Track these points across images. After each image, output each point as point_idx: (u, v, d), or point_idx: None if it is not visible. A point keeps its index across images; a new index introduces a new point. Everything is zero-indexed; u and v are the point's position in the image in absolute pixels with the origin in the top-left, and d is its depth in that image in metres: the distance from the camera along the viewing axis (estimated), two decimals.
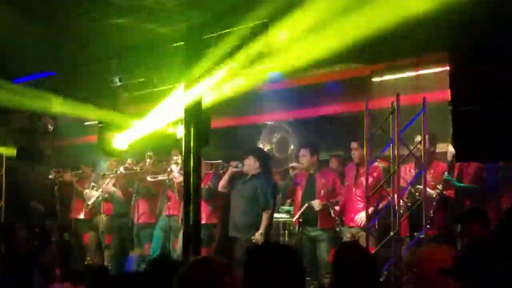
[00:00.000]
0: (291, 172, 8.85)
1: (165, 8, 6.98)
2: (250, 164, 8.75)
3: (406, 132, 7.35)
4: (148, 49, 8.29)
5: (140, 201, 10.29)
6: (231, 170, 9.01)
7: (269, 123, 10.32)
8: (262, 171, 8.78)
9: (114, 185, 10.63)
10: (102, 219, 10.70)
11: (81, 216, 10.98)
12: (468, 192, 7.50)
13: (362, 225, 7.88)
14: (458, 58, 4.43)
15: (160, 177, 9.99)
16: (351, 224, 8.13)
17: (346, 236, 8.11)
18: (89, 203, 10.75)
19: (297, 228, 8.67)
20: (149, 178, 10.10)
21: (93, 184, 10.88)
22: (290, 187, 8.77)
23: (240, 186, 8.84)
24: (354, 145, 8.24)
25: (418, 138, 7.56)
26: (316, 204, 8.34)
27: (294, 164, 8.80)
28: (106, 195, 10.61)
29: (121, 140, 8.87)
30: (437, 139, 7.78)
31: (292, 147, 9.96)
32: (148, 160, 10.26)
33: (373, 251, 6.94)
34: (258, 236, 8.40)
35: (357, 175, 8.18)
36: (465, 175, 7.52)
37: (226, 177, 9.07)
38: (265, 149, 9.76)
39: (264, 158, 9.00)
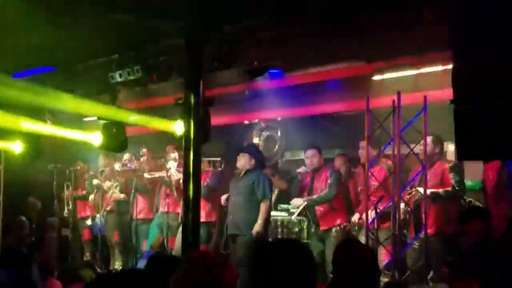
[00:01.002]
0: (299, 176, 8.83)
1: (166, 5, 6.94)
2: (246, 161, 8.77)
3: (407, 132, 7.34)
4: (148, 45, 8.25)
5: (139, 198, 10.32)
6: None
7: (259, 121, 10.34)
8: (257, 166, 8.80)
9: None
10: (108, 216, 10.70)
11: (87, 214, 11.00)
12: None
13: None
14: (462, 56, 4.40)
15: (157, 174, 9.98)
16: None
17: (362, 236, 8.05)
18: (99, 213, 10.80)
19: (298, 226, 8.70)
20: (146, 175, 10.08)
21: (96, 189, 10.87)
22: (299, 189, 8.78)
23: (236, 184, 8.84)
24: (362, 143, 8.10)
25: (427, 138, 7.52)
26: (294, 202, 8.38)
27: (300, 169, 8.78)
28: (112, 204, 10.65)
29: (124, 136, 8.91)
30: (441, 141, 7.72)
31: (277, 145, 10.00)
32: (143, 157, 10.25)
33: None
34: (257, 228, 8.39)
35: (366, 178, 8.10)
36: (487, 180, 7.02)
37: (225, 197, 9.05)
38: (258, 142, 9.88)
39: (258, 154, 9.04)
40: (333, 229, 8.37)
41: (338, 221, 8.41)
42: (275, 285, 2.55)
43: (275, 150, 10.22)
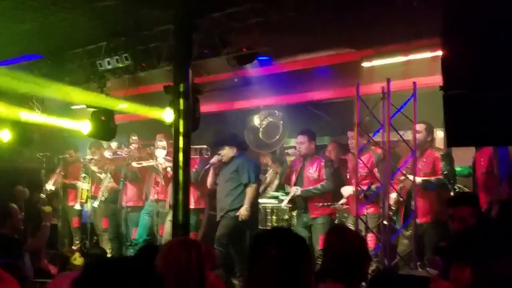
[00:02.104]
0: (288, 158, 8.83)
1: None
2: (227, 153, 8.90)
3: (397, 118, 7.34)
4: (137, 32, 8.19)
5: (128, 186, 10.28)
6: (212, 168, 9.12)
7: (262, 107, 10.29)
8: (241, 152, 8.97)
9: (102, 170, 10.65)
10: (97, 204, 10.69)
11: (77, 205, 10.98)
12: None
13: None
14: (451, 42, 4.41)
15: (144, 163, 9.96)
16: (355, 214, 8.03)
17: (350, 224, 8.05)
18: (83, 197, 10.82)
19: (287, 213, 8.71)
20: (134, 164, 10.06)
21: (84, 175, 10.86)
22: (286, 173, 8.77)
23: (223, 171, 8.96)
24: (351, 134, 8.07)
25: (420, 126, 7.50)
26: (294, 189, 8.36)
27: (290, 151, 8.77)
28: (107, 194, 10.62)
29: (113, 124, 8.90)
30: (433, 129, 7.74)
31: (280, 133, 9.97)
32: (133, 145, 10.22)
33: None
34: (243, 211, 8.47)
35: (356, 165, 8.09)
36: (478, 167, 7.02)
37: (211, 175, 9.18)
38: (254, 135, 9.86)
39: (239, 143, 9.14)
40: (320, 218, 8.35)
41: (328, 211, 8.38)
42: (274, 276, 2.53)
43: (277, 138, 10.12)
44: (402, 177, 7.44)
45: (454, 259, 2.82)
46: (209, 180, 9.19)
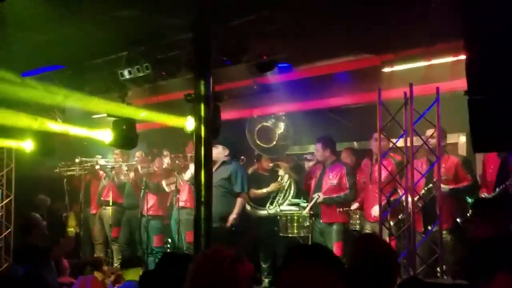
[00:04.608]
0: (306, 165, 8.79)
1: None
2: (219, 152, 8.74)
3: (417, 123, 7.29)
4: (156, 41, 8.21)
5: (149, 195, 10.28)
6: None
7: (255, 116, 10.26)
8: (232, 158, 8.91)
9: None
10: (109, 211, 10.74)
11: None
12: None
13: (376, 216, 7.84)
14: (475, 45, 4.36)
15: (173, 180, 9.93)
16: (371, 220, 8.05)
17: (367, 230, 8.04)
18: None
19: (308, 220, 8.65)
20: (164, 184, 10.05)
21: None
22: (306, 180, 8.74)
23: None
24: (376, 135, 7.99)
25: (430, 131, 7.46)
26: (316, 196, 8.29)
27: (307, 156, 8.77)
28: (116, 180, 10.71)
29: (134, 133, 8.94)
30: (446, 134, 7.70)
31: (276, 139, 9.90)
32: (165, 160, 10.16)
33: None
34: (232, 220, 8.49)
35: (372, 171, 8.12)
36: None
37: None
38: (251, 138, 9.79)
39: (233, 146, 9.09)
40: (335, 224, 8.32)
41: (341, 218, 8.33)
42: None
43: (273, 143, 10.04)
44: (430, 185, 7.38)
45: (479, 279, 2.76)
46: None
